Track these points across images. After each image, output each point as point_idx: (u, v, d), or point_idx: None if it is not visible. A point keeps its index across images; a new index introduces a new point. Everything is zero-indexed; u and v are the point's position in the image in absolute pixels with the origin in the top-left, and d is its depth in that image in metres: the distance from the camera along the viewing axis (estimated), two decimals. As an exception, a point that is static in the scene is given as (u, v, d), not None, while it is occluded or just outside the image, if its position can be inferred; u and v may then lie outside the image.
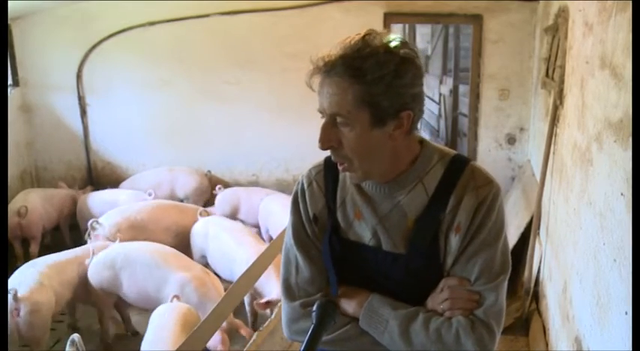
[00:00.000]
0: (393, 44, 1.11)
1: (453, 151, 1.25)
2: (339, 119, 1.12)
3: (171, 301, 3.16)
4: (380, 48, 1.09)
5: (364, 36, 1.11)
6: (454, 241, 1.16)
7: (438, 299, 1.17)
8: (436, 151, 1.23)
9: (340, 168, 1.19)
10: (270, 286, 3.41)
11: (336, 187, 1.27)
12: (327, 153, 1.32)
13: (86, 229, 4.32)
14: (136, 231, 4.24)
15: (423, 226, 1.17)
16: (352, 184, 1.25)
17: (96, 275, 3.58)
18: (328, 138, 1.14)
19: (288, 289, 1.28)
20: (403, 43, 1.12)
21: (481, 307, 1.15)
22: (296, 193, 1.31)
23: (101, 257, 3.60)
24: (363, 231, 1.22)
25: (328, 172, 1.29)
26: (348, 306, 1.22)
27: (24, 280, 3.36)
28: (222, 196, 5.05)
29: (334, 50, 1.11)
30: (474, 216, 1.15)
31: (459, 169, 1.19)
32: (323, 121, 1.15)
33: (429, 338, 1.14)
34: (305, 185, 1.30)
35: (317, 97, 1.15)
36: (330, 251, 1.24)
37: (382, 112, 1.10)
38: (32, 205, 4.69)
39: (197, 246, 4.21)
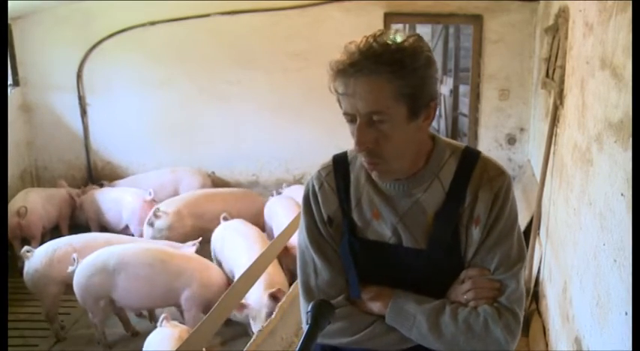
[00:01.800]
0: (412, 38, 1.12)
1: (462, 145, 1.27)
2: (376, 117, 1.11)
3: (161, 324, 3.05)
4: (404, 42, 1.10)
5: (377, 36, 1.10)
6: (475, 233, 1.19)
7: (460, 290, 1.20)
8: (447, 145, 1.25)
9: (370, 167, 1.18)
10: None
11: (348, 187, 1.27)
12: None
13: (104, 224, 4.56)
14: (194, 218, 4.50)
15: (443, 221, 1.19)
16: (367, 183, 1.25)
17: (84, 280, 3.48)
18: (366, 139, 1.12)
19: (309, 292, 1.27)
20: (420, 37, 1.14)
21: (504, 294, 1.18)
22: (307, 195, 1.30)
23: (90, 262, 3.50)
24: (383, 230, 1.23)
25: (338, 172, 1.28)
26: (373, 305, 1.23)
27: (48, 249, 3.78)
28: (290, 193, 5.03)
29: (351, 52, 1.09)
30: (492, 208, 1.18)
31: (471, 162, 1.22)
32: (353, 124, 1.12)
33: (458, 329, 1.16)
34: (316, 187, 1.29)
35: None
36: (350, 252, 1.24)
37: (418, 103, 1.12)
38: (32, 205, 4.69)
39: (214, 250, 4.15)
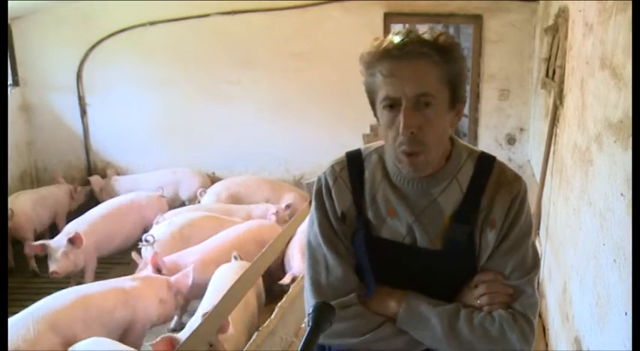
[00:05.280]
0: (445, 35, 1.14)
1: (478, 149, 1.27)
2: (423, 99, 1.10)
3: None
4: (444, 35, 1.12)
5: (409, 31, 1.12)
6: (490, 236, 1.18)
7: (474, 294, 1.18)
8: (464, 148, 1.24)
9: (409, 159, 1.14)
10: None
11: (363, 183, 1.24)
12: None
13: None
14: (233, 199, 5.04)
15: (460, 223, 1.18)
16: (384, 180, 1.22)
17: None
18: (413, 122, 1.09)
19: (319, 290, 1.23)
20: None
21: (517, 300, 1.17)
22: (320, 190, 1.26)
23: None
24: (398, 228, 1.20)
25: (352, 168, 1.26)
26: (385, 305, 1.20)
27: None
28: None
29: (398, 37, 1.10)
30: (508, 212, 1.17)
31: (488, 166, 1.21)
32: (392, 111, 1.12)
33: (474, 333, 1.14)
34: (330, 182, 1.25)
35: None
36: (367, 250, 1.22)
37: (458, 93, 1.15)
38: (20, 208, 4.62)
39: None
